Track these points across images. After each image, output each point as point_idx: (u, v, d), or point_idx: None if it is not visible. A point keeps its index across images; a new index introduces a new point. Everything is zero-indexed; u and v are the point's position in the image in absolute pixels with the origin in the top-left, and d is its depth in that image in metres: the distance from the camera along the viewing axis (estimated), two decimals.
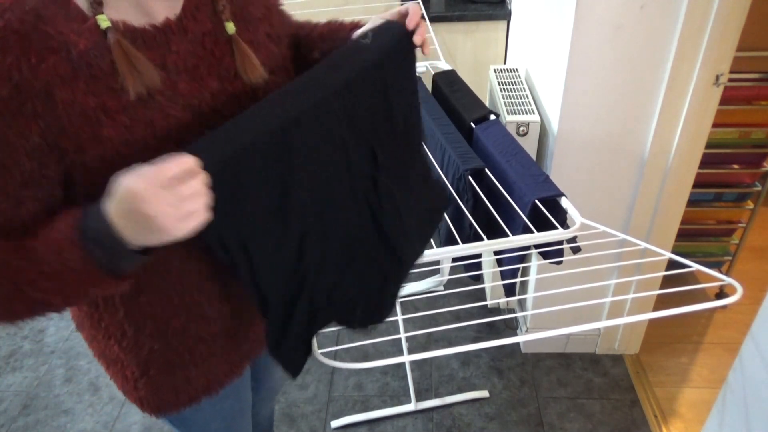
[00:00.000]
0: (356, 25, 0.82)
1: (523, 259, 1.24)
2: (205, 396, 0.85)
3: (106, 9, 0.60)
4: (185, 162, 0.54)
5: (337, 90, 0.65)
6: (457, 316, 2.01)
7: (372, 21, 0.78)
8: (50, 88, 0.56)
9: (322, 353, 0.79)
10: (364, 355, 1.94)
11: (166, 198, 0.53)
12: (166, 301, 0.74)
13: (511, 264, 1.25)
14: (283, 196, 0.62)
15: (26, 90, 0.55)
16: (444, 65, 1.70)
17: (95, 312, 0.75)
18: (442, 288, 2.19)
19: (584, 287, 0.86)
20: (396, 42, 0.69)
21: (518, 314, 1.90)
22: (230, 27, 0.69)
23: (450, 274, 2.16)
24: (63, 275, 0.58)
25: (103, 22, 0.59)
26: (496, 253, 1.28)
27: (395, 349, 1.95)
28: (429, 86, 1.58)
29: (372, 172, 0.69)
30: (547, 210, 1.04)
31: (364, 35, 0.71)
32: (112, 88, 0.59)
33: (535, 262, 1.78)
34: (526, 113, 1.59)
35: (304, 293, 0.69)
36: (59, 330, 2.12)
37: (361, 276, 0.71)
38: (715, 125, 1.45)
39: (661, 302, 1.82)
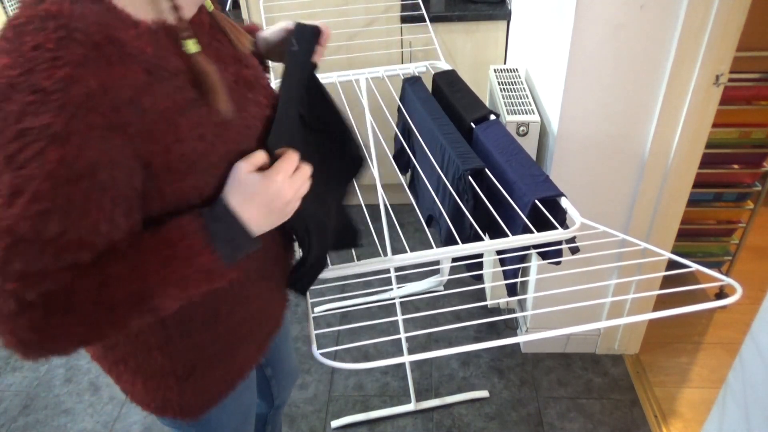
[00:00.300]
0: (253, 28, 0.95)
1: (524, 259, 1.24)
2: (240, 381, 0.87)
3: (154, 12, 0.62)
4: (296, 158, 0.68)
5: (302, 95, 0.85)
6: (458, 316, 2.01)
7: (278, 25, 0.92)
8: (136, 97, 0.57)
9: (321, 353, 0.79)
10: (364, 355, 1.94)
11: (292, 185, 0.66)
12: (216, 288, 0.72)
13: (512, 264, 1.25)
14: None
15: (118, 102, 0.55)
16: (444, 65, 1.70)
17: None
18: (442, 288, 2.19)
19: (584, 287, 0.86)
20: (312, 41, 0.88)
21: (518, 314, 1.90)
22: (208, 4, 0.74)
23: (450, 274, 2.16)
24: (191, 278, 0.62)
25: (193, 46, 0.63)
26: (497, 253, 1.28)
27: (395, 349, 1.95)
28: (429, 86, 1.58)
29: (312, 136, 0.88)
30: (547, 210, 1.04)
31: (291, 42, 0.85)
32: (179, 87, 0.62)
33: (535, 263, 1.78)
34: (526, 113, 1.59)
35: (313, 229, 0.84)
36: None
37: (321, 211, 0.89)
38: (715, 125, 1.45)
39: (661, 302, 1.82)
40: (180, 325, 0.75)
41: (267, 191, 0.64)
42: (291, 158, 0.67)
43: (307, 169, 0.69)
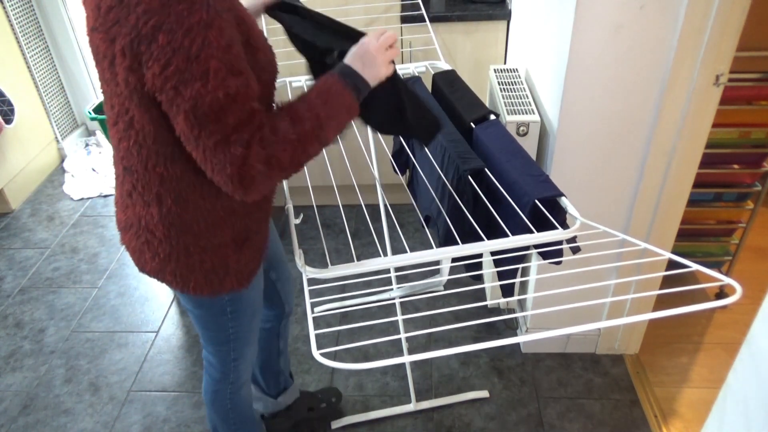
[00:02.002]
0: None
1: (523, 259, 1.24)
2: (263, 258, 1.14)
3: None
4: (394, 35, 1.00)
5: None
6: (457, 316, 2.01)
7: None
8: (239, 12, 0.88)
9: (321, 354, 0.79)
10: (364, 355, 1.94)
11: (378, 42, 0.97)
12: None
13: (511, 264, 1.25)
14: None
15: (232, 10, 0.85)
16: (444, 65, 1.70)
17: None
18: (441, 288, 2.19)
19: (584, 287, 0.86)
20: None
21: (518, 314, 1.90)
22: None
23: (450, 274, 2.16)
24: (341, 111, 0.93)
25: None
26: (494, 253, 1.28)
27: (395, 349, 1.95)
28: (429, 86, 1.58)
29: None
30: (547, 210, 1.04)
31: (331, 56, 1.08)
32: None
33: (535, 263, 1.78)
34: (526, 113, 1.59)
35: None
36: (59, 330, 2.12)
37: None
38: (715, 125, 1.45)
39: (661, 302, 1.82)
40: (242, 204, 1.03)
41: (361, 47, 0.97)
42: (379, 30, 1.00)
43: (391, 34, 1.00)
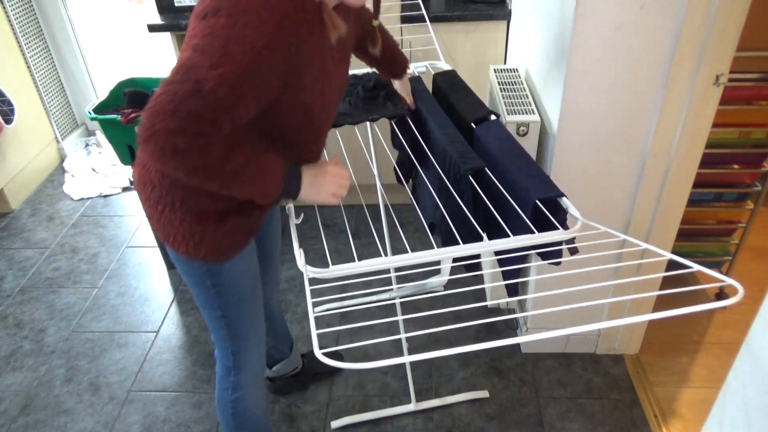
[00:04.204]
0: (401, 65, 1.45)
1: (524, 259, 1.24)
2: (252, 236, 1.17)
3: None
4: (348, 178, 1.08)
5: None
6: (458, 317, 2.01)
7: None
8: (302, 44, 0.90)
9: (323, 353, 0.79)
10: (364, 355, 1.94)
11: (336, 190, 1.05)
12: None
13: (513, 264, 1.25)
14: None
15: (293, 42, 0.87)
16: (444, 65, 1.70)
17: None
18: (442, 288, 2.19)
19: (584, 288, 0.86)
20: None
21: (518, 315, 1.90)
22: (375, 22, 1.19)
23: (450, 274, 2.16)
24: (258, 194, 0.96)
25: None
26: (497, 253, 1.28)
27: (395, 349, 1.95)
28: (429, 86, 1.58)
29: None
30: (548, 210, 1.04)
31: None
32: (321, 42, 0.96)
33: (535, 263, 1.78)
34: (526, 113, 1.59)
35: None
36: (59, 330, 2.12)
37: None
38: (715, 125, 1.45)
39: (662, 302, 1.82)
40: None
41: (322, 168, 1.04)
42: (342, 168, 1.08)
43: (347, 175, 1.08)
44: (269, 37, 0.82)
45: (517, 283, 1.51)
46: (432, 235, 1.41)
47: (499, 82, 1.76)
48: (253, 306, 1.27)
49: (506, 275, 1.30)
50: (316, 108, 1.00)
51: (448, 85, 1.54)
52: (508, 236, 1.01)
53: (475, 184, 1.18)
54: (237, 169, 0.89)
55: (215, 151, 0.85)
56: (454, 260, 1.24)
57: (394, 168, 1.68)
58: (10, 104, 2.71)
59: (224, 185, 0.91)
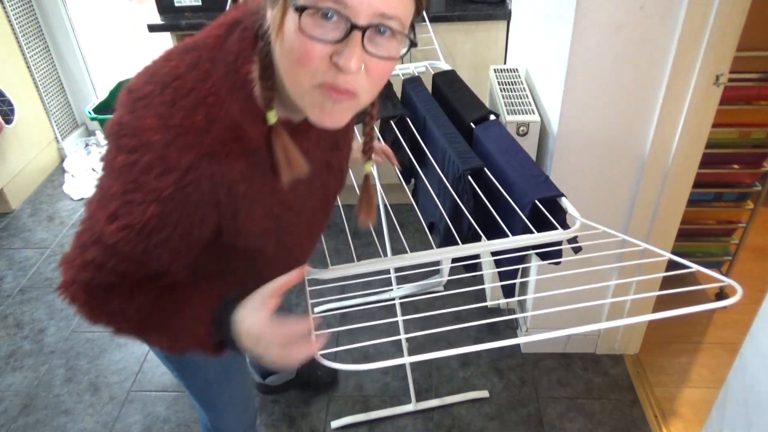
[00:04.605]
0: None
1: (523, 259, 1.23)
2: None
3: (275, 108, 0.70)
4: (303, 327, 0.70)
5: None
6: (458, 317, 2.01)
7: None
8: (234, 185, 0.69)
9: (322, 354, 0.79)
10: (364, 355, 1.94)
11: (282, 343, 0.69)
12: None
13: (511, 264, 1.25)
14: None
15: (219, 186, 0.68)
16: (444, 65, 1.70)
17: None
18: (442, 288, 2.19)
19: (584, 288, 0.86)
20: None
21: (518, 315, 1.90)
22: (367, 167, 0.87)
23: (450, 274, 2.16)
24: (189, 340, 0.74)
25: (272, 118, 0.70)
26: (494, 253, 1.28)
27: (395, 349, 1.95)
28: (429, 86, 1.58)
29: None
30: (547, 210, 1.04)
31: None
32: (270, 175, 0.73)
33: (535, 263, 1.78)
34: (526, 113, 1.59)
35: None
36: (59, 330, 2.12)
37: None
38: (715, 125, 1.45)
39: (662, 302, 1.82)
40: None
41: (252, 339, 0.70)
42: (303, 325, 0.71)
43: (304, 350, 0.70)
44: (176, 184, 0.63)
45: (513, 284, 1.51)
46: (431, 235, 1.41)
47: (499, 82, 1.76)
48: (226, 387, 1.14)
49: (503, 276, 1.30)
50: (268, 249, 0.81)
51: (448, 85, 1.54)
52: (508, 236, 1.01)
53: (474, 184, 1.18)
54: (142, 316, 0.73)
55: (116, 299, 0.72)
56: (454, 260, 1.24)
57: (395, 168, 1.68)
58: (10, 104, 2.71)
59: (137, 335, 0.76)
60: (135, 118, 0.63)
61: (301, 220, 0.85)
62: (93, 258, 0.68)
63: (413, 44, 0.66)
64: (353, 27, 0.59)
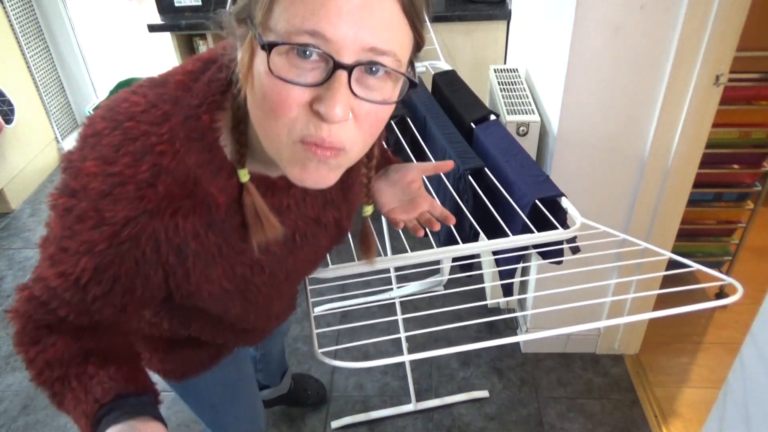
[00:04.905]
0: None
1: (522, 259, 1.24)
2: (219, 360, 0.97)
3: (248, 162, 0.61)
4: None
5: None
6: (457, 316, 2.01)
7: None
8: (186, 243, 0.61)
9: (322, 352, 0.79)
10: (364, 354, 1.94)
11: None
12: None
13: (510, 264, 1.25)
14: None
15: (164, 245, 0.59)
16: (444, 65, 1.70)
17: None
18: (442, 288, 2.19)
19: (584, 287, 0.86)
20: None
21: (518, 314, 1.90)
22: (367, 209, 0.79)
23: (450, 274, 2.16)
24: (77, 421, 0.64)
25: (244, 176, 0.61)
26: (494, 253, 1.28)
27: (395, 348, 1.95)
28: (429, 86, 1.58)
29: None
30: (547, 210, 1.04)
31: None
32: (230, 232, 0.64)
33: (535, 262, 1.78)
34: (526, 113, 1.59)
35: None
36: None
37: None
38: (715, 125, 1.45)
39: (662, 302, 1.82)
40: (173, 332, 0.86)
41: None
42: None
43: None
44: (109, 240, 0.56)
45: (512, 283, 1.51)
46: (431, 235, 1.41)
47: (499, 82, 1.76)
48: (232, 408, 1.10)
49: (502, 275, 1.30)
50: (233, 310, 0.74)
51: (448, 85, 1.54)
52: (508, 236, 1.01)
53: (474, 183, 1.18)
54: (49, 370, 0.65)
55: (42, 341, 0.65)
56: (454, 260, 1.24)
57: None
58: (10, 104, 2.71)
59: (41, 386, 0.67)
60: (80, 158, 0.56)
61: (277, 280, 0.75)
62: (39, 294, 0.63)
63: (413, 85, 0.56)
64: (337, 66, 0.49)
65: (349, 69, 0.49)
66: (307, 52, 0.49)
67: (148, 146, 0.56)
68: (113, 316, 0.64)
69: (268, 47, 0.49)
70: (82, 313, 0.63)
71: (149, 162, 0.55)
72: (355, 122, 0.53)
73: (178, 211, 0.58)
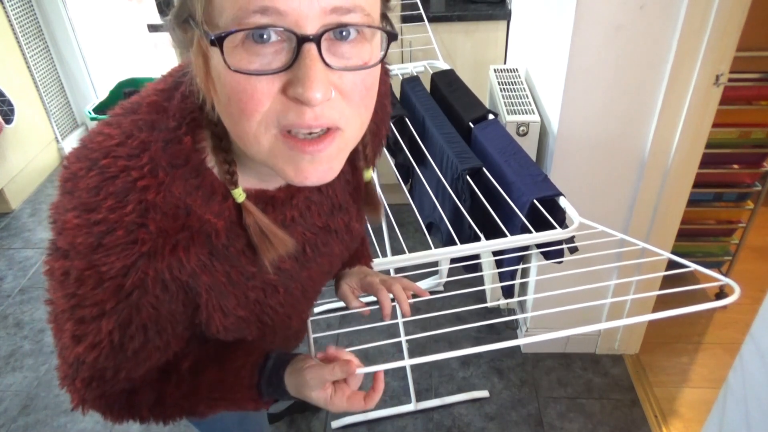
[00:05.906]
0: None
1: (522, 259, 1.23)
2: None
3: (241, 178, 0.57)
4: (353, 368, 0.70)
5: None
6: (458, 317, 2.01)
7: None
8: (194, 277, 0.57)
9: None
10: (364, 356, 1.94)
11: (327, 398, 0.68)
12: None
13: (510, 265, 1.25)
14: None
15: (174, 284, 0.56)
16: (443, 65, 1.70)
17: None
18: (442, 289, 2.19)
19: (584, 288, 0.86)
20: None
21: (518, 315, 1.90)
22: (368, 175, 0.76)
23: (449, 275, 2.15)
24: (230, 409, 0.68)
25: (239, 197, 0.56)
26: (495, 253, 1.28)
27: (395, 350, 1.94)
28: (427, 86, 1.58)
29: None
30: (546, 210, 1.04)
31: None
32: (242, 258, 0.61)
33: (535, 263, 1.78)
34: (526, 113, 1.59)
35: None
36: None
37: None
38: (715, 125, 1.45)
39: (662, 302, 1.81)
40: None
41: (309, 384, 0.65)
42: (356, 379, 0.74)
43: (364, 405, 0.74)
44: (116, 295, 0.53)
45: (513, 284, 1.51)
46: (430, 235, 1.41)
47: (499, 82, 1.76)
48: (242, 429, 1.07)
49: (503, 276, 1.30)
50: (249, 335, 0.69)
51: (447, 84, 1.54)
52: (506, 236, 1.01)
53: (472, 183, 1.18)
54: (178, 402, 0.67)
55: (141, 399, 0.66)
56: (453, 261, 1.24)
57: (395, 168, 1.68)
58: (10, 104, 2.71)
59: (180, 416, 0.69)
60: (60, 211, 0.52)
61: (294, 298, 0.71)
62: (90, 375, 0.60)
63: (393, 36, 0.48)
64: (301, 40, 0.42)
65: (317, 39, 0.42)
66: (264, 35, 0.42)
67: (129, 183, 0.50)
68: (162, 356, 0.63)
69: (218, 41, 0.43)
70: (139, 365, 0.61)
71: (134, 200, 0.50)
72: (343, 98, 0.47)
73: (177, 246, 0.54)
